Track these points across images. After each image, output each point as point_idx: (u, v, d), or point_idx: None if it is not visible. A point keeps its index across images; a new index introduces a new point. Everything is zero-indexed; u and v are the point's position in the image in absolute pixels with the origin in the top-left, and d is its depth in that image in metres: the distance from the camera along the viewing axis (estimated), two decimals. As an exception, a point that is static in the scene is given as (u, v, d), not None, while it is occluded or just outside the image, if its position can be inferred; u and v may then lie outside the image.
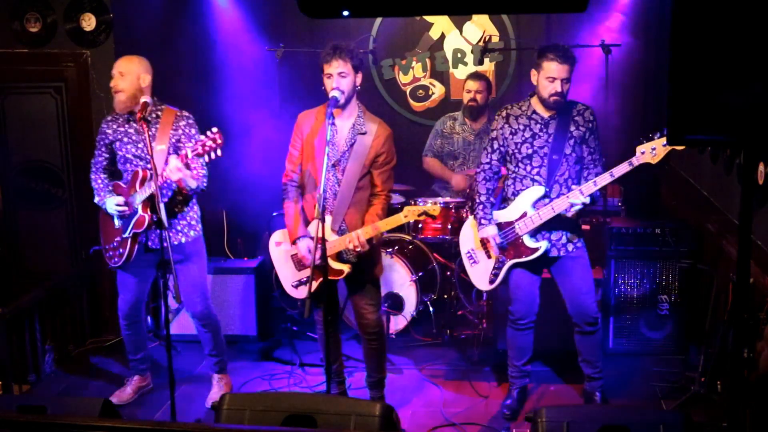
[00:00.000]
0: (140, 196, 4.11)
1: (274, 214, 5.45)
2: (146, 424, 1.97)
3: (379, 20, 6.29)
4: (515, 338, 4.27)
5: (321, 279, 3.87)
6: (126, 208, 4.16)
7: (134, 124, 4.16)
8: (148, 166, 4.09)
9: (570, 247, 4.08)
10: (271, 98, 5.88)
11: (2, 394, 4.50)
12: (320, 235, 3.68)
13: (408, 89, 6.48)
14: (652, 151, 3.72)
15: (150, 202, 4.09)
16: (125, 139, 4.22)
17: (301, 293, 4.10)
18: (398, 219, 3.86)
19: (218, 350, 4.52)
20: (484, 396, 4.53)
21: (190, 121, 4.24)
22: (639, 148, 3.75)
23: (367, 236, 3.85)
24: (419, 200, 3.88)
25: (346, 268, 3.92)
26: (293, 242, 4.02)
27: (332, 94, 3.81)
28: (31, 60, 5.37)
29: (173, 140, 4.17)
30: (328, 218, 3.91)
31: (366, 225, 3.89)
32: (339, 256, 3.95)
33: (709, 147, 4.56)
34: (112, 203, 4.19)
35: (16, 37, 5.34)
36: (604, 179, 3.83)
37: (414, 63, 6.40)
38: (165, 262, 3.78)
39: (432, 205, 3.87)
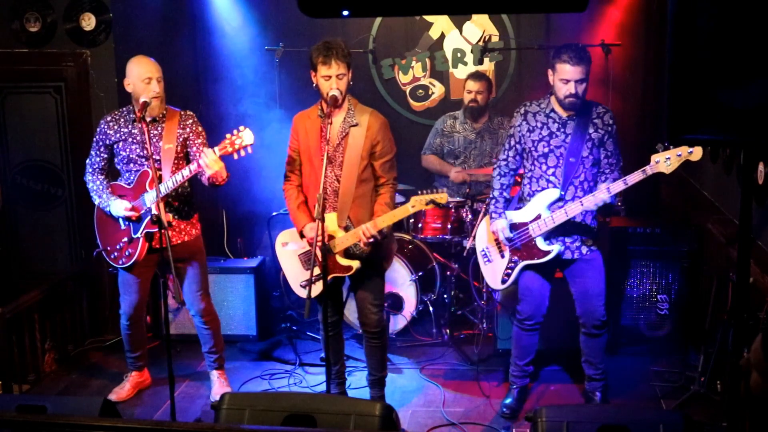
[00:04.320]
0: (152, 195, 4.10)
1: (274, 213, 5.46)
2: (146, 423, 1.97)
3: (379, 20, 6.28)
4: (520, 338, 4.27)
5: (329, 276, 3.86)
6: (134, 213, 4.16)
7: (139, 125, 4.14)
8: (156, 165, 4.09)
9: (584, 249, 4.06)
10: (271, 98, 5.88)
11: (2, 393, 4.50)
12: (320, 234, 3.68)
13: (408, 89, 6.48)
14: (666, 160, 3.66)
15: (163, 201, 4.07)
16: (129, 140, 4.21)
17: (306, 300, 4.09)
18: (405, 210, 3.83)
19: (218, 348, 4.54)
20: (484, 396, 4.53)
21: (196, 119, 4.29)
22: (654, 157, 3.68)
23: (376, 229, 3.82)
24: (425, 191, 3.85)
25: (355, 264, 3.92)
26: (300, 232, 4.01)
27: (332, 93, 3.79)
28: (31, 60, 5.37)
29: (181, 139, 4.20)
30: (333, 215, 3.91)
31: (375, 216, 3.87)
32: (347, 252, 3.94)
33: (708, 147, 4.56)
34: (119, 207, 4.16)
35: (16, 36, 5.33)
36: (618, 186, 3.80)
37: (414, 63, 6.40)
38: (166, 261, 3.77)
39: (439, 194, 3.78)
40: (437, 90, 6.45)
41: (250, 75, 6.14)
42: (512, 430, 4.14)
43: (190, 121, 4.25)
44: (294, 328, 5.38)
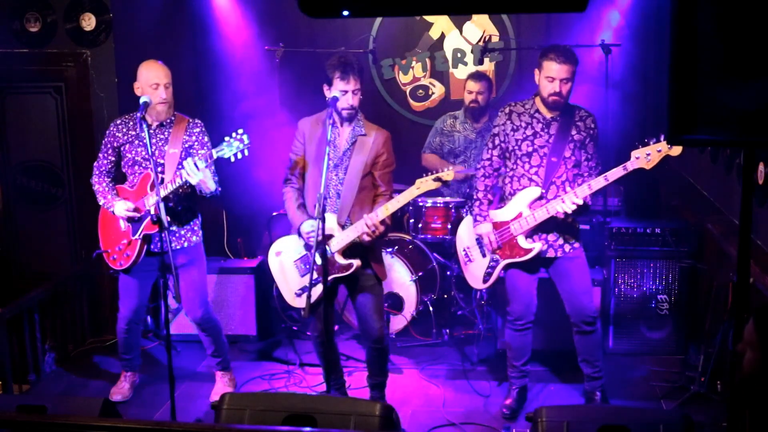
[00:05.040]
0: (152, 198, 4.13)
1: (274, 213, 5.46)
2: (146, 424, 1.97)
3: (379, 20, 6.28)
4: (514, 338, 4.27)
5: (329, 277, 3.87)
6: (137, 214, 4.18)
7: (146, 128, 4.15)
8: (159, 169, 4.11)
9: (567, 248, 4.08)
10: (271, 98, 5.88)
11: (2, 393, 4.50)
12: (320, 235, 3.69)
13: (408, 89, 6.48)
14: (646, 156, 3.72)
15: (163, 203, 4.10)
16: (136, 142, 4.24)
17: (305, 300, 4.08)
18: (411, 192, 3.85)
19: (220, 352, 4.55)
20: (484, 396, 4.53)
21: (203, 129, 4.32)
22: (634, 153, 3.75)
23: (380, 217, 3.82)
24: (429, 172, 3.88)
25: (355, 262, 3.92)
26: (297, 230, 4.01)
27: (348, 111, 3.88)
28: (31, 60, 5.37)
29: (186, 146, 4.22)
30: (333, 216, 3.91)
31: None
32: (345, 252, 3.94)
33: (709, 147, 4.56)
34: (121, 208, 4.18)
35: (16, 37, 5.34)
36: (599, 183, 3.84)
37: (414, 63, 6.40)
38: (166, 263, 3.78)
39: (445, 171, 3.82)
40: (437, 90, 6.45)
41: (250, 75, 6.14)
42: (512, 430, 4.13)
43: (197, 129, 4.29)
44: (294, 328, 5.38)
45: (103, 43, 5.33)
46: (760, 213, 3.77)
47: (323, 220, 3.72)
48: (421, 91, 6.47)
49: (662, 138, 3.71)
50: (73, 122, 5.44)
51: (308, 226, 3.92)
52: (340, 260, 3.91)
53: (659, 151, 3.69)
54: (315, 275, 3.76)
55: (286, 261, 4.12)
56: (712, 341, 4.29)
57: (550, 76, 3.90)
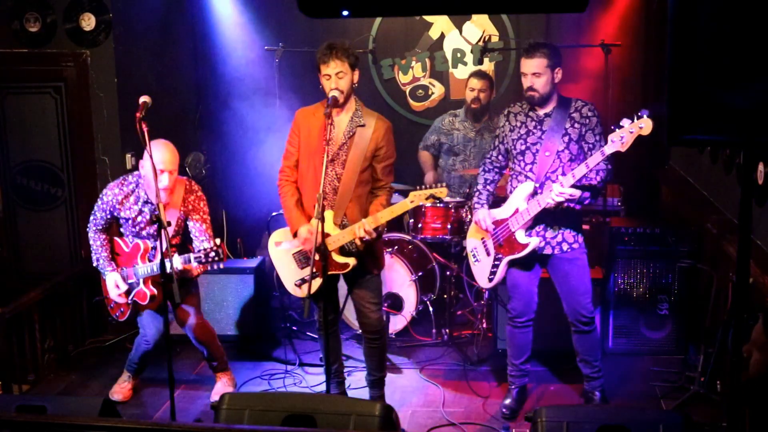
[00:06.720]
0: (142, 269, 4.26)
1: (274, 213, 5.45)
2: (146, 423, 1.97)
3: (378, 20, 6.29)
4: (514, 336, 4.28)
5: (322, 279, 3.87)
6: (125, 300, 4.32)
7: (150, 205, 4.21)
8: (155, 238, 4.23)
9: (565, 246, 4.08)
10: (270, 98, 5.89)
11: (2, 393, 4.50)
12: (319, 235, 3.69)
13: (408, 89, 6.48)
14: (621, 139, 3.72)
15: (152, 277, 4.26)
16: (139, 218, 4.29)
17: (305, 291, 4.08)
18: (404, 205, 3.85)
19: (215, 355, 4.56)
20: (484, 396, 4.53)
21: (200, 194, 4.39)
22: (610, 137, 3.75)
23: (373, 225, 3.83)
24: (423, 185, 3.88)
25: (351, 261, 3.92)
26: (294, 234, 4.00)
27: (331, 94, 3.81)
28: (31, 60, 5.37)
29: (181, 212, 4.31)
30: (330, 213, 3.91)
31: (371, 215, 3.88)
32: (342, 250, 3.94)
33: (708, 147, 4.56)
34: (111, 284, 4.32)
35: (16, 37, 5.33)
36: (581, 170, 3.83)
37: (414, 63, 6.40)
38: (168, 274, 3.76)
39: (438, 188, 3.82)
40: (437, 90, 6.45)
41: (249, 75, 6.14)
42: (512, 430, 4.14)
43: (193, 197, 4.35)
44: (294, 328, 5.38)
45: (103, 43, 5.33)
46: (760, 213, 3.77)
47: (323, 220, 3.71)
48: (420, 91, 6.47)
49: (635, 118, 3.70)
50: (73, 122, 5.44)
51: (305, 232, 3.91)
52: (337, 258, 3.92)
53: (632, 132, 3.70)
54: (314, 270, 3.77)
55: (285, 251, 4.13)
56: (711, 341, 4.29)
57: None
